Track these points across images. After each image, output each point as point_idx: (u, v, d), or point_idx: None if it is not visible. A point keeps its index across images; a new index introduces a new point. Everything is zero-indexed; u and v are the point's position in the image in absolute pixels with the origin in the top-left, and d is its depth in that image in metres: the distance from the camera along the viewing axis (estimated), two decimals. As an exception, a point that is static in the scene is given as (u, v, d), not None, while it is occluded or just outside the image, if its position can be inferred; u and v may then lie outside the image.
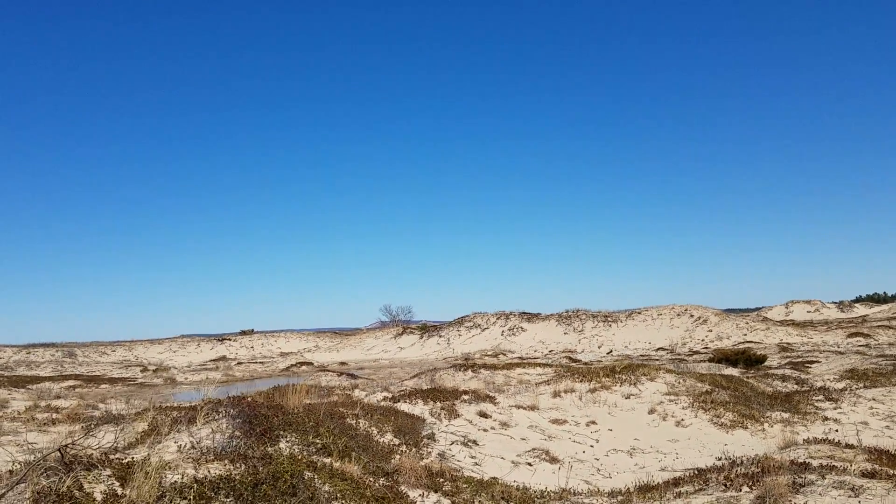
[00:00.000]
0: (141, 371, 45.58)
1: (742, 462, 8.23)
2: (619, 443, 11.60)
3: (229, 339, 69.03)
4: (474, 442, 10.53)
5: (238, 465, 5.40)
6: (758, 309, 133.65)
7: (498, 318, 59.12)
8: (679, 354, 43.78)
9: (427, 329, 61.30)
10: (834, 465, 7.33)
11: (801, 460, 7.74)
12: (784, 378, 17.78)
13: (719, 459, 10.40)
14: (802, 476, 6.45)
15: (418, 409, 11.92)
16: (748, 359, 30.23)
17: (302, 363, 50.74)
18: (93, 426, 9.14)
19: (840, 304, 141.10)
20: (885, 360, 24.42)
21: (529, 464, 9.84)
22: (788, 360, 33.17)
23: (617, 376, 15.00)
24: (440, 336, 58.25)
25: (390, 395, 12.90)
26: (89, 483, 4.32)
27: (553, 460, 10.07)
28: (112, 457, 5.26)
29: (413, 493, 6.71)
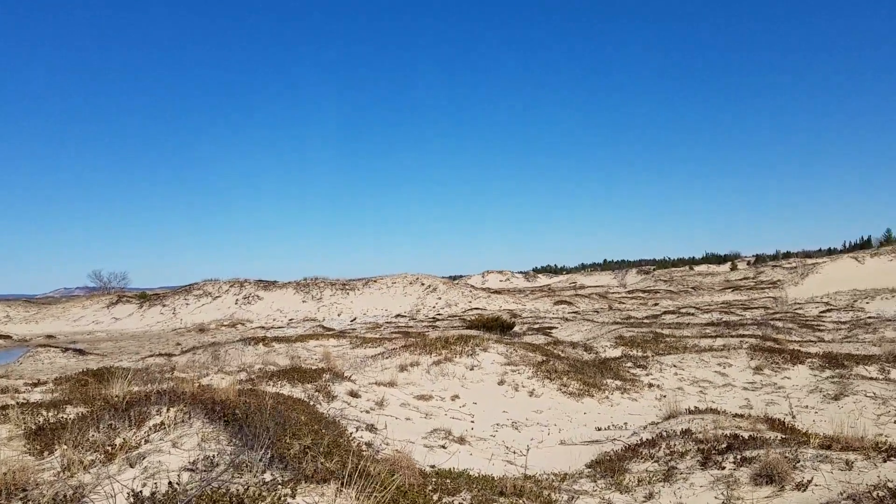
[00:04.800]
0: None
1: (670, 434, 8.73)
2: (493, 416, 11.62)
3: None
4: (373, 426, 9.78)
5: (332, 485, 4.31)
6: (460, 277, 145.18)
7: (231, 286, 56.03)
8: (421, 321, 45.61)
9: (147, 298, 55.88)
10: (759, 436, 8.10)
11: (727, 433, 8.42)
12: (574, 345, 19.37)
13: (598, 429, 10.97)
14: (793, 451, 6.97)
15: (288, 391, 10.73)
16: (502, 325, 32.54)
17: (-4, 335, 43.18)
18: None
19: (526, 274, 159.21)
20: (620, 326, 27.93)
21: (443, 446, 9.38)
22: (527, 325, 36.39)
23: (453, 348, 15.02)
24: (164, 305, 53.47)
25: (246, 377, 11.44)
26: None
27: (461, 440, 9.73)
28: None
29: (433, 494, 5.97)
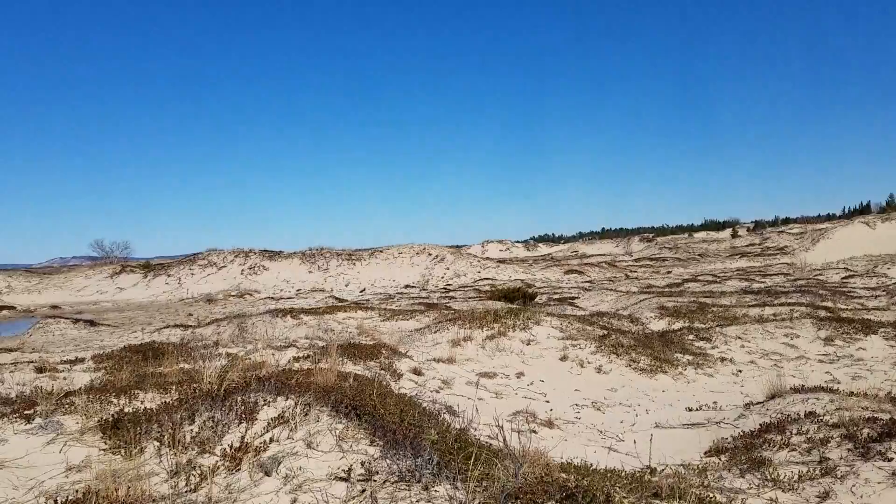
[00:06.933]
0: None
1: (794, 418, 7.87)
2: (567, 396, 10.78)
3: None
4: (452, 408, 8.92)
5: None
6: (459, 246, 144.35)
7: (236, 256, 54.97)
8: (433, 291, 44.76)
9: (151, 267, 54.77)
10: (902, 417, 7.25)
11: (863, 415, 7.55)
12: (619, 317, 18.54)
13: (689, 410, 10.10)
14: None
15: (351, 368, 9.84)
16: (524, 295, 31.72)
17: (1, 307, 42.18)
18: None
19: (526, 244, 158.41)
20: (651, 295, 27.12)
21: (534, 431, 8.54)
22: (546, 295, 35.60)
23: (504, 321, 14.14)
24: (168, 275, 52.44)
25: (298, 353, 10.57)
26: None
27: (549, 424, 8.88)
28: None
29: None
